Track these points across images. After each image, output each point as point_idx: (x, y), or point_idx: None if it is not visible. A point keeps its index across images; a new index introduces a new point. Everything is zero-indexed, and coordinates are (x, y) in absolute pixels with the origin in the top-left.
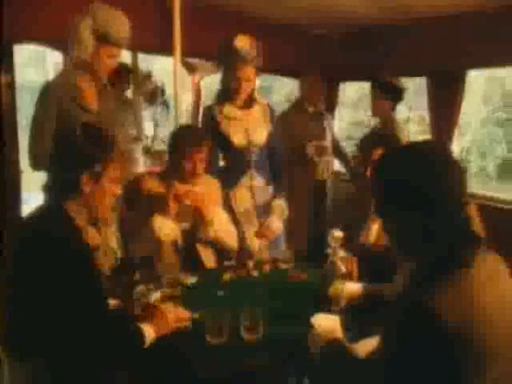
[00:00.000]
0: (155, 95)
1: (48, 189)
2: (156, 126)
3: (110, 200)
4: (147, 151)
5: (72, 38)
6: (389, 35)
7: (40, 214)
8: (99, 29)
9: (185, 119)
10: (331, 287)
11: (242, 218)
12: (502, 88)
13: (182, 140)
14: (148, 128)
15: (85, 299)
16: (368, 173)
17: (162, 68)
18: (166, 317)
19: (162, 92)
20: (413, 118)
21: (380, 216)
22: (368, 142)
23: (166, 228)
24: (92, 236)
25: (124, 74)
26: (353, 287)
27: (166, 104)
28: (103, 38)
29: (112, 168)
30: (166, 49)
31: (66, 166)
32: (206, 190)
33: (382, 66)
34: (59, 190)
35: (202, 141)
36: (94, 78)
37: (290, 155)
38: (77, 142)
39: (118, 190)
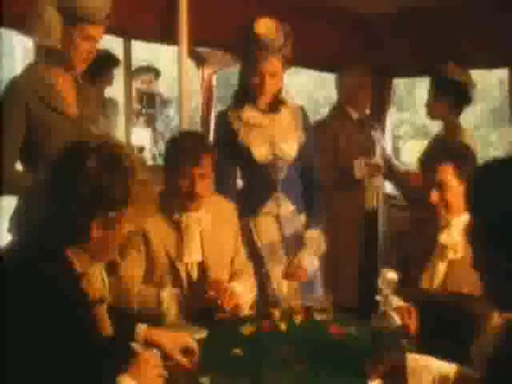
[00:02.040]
0: (152, 96)
1: (31, 225)
2: (155, 135)
3: (123, 240)
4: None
5: (33, 20)
6: (459, 15)
7: (31, 258)
8: (64, 2)
9: (191, 127)
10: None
11: (265, 254)
12: None
13: (176, 150)
14: (144, 138)
15: (79, 369)
16: (433, 197)
17: (163, 60)
18: (147, 365)
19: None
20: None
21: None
22: (432, 157)
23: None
24: (94, 285)
25: (105, 65)
26: (444, 367)
27: (166, 106)
28: (72, 15)
29: (133, 208)
30: (168, 35)
31: (68, 208)
32: (216, 216)
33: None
34: (57, 234)
35: (200, 149)
36: (70, 69)
37: (328, 174)
38: (88, 178)
39: (135, 228)
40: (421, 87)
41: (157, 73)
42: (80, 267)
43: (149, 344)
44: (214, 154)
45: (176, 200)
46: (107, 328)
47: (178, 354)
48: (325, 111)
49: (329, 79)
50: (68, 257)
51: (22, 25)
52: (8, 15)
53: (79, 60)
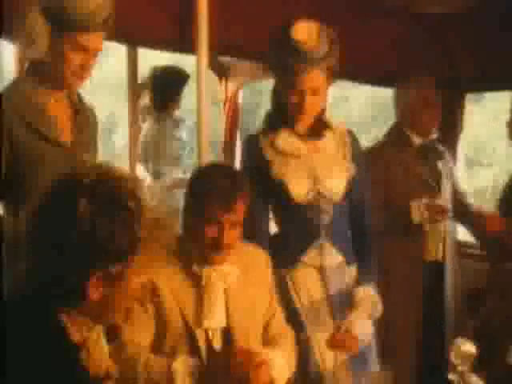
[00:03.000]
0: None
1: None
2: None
3: (133, 301)
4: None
5: (16, 24)
6: None
7: (13, 326)
8: (51, 5)
9: (211, 155)
10: None
11: (305, 316)
12: None
13: (203, 189)
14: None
15: None
16: None
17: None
18: None
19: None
20: None
21: None
22: None
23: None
24: (95, 355)
25: (174, 84)
26: None
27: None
28: (58, 20)
29: (141, 258)
30: (183, 41)
31: (58, 262)
32: (246, 270)
33: None
34: (46, 295)
35: (234, 191)
36: (62, 88)
37: (384, 218)
38: (82, 224)
39: (145, 280)
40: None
41: None
42: (78, 336)
43: None
44: (248, 198)
45: (197, 249)
46: None
47: None
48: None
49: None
50: (62, 323)
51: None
52: None
53: (72, 76)
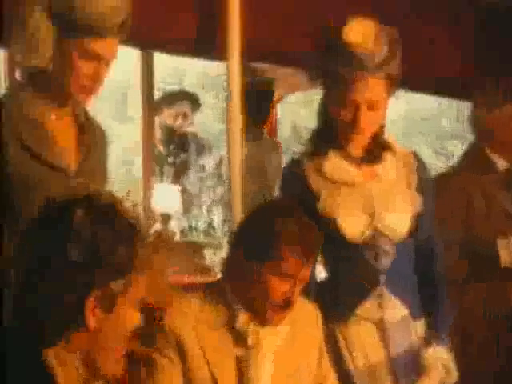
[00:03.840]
0: (186, 137)
1: None
2: (186, 196)
3: (126, 338)
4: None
5: (14, 27)
6: None
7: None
8: (58, 5)
9: (241, 182)
10: None
11: (360, 382)
12: None
13: (266, 231)
14: (171, 200)
15: None
16: None
17: (200, 82)
18: None
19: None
20: None
21: None
22: None
23: None
24: None
25: (264, 97)
26: None
27: (201, 153)
28: (69, 22)
29: (139, 281)
30: (210, 45)
31: (47, 283)
32: (295, 327)
33: None
34: (29, 328)
35: (310, 238)
36: (67, 102)
37: (461, 261)
38: (79, 236)
39: (139, 316)
40: None
41: (195, 102)
42: (66, 377)
43: None
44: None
45: (248, 303)
46: None
47: None
48: None
49: None
50: (49, 365)
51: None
52: None
53: (80, 89)
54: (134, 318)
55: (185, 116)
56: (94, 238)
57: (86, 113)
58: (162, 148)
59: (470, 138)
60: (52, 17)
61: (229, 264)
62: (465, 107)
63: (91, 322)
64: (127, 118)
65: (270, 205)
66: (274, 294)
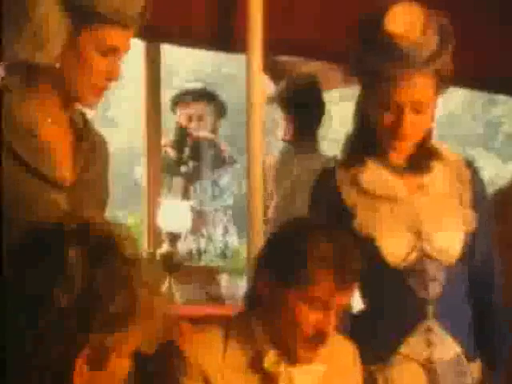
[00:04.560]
0: (197, 143)
1: None
2: (197, 213)
3: None
4: (172, 268)
5: (20, 20)
6: None
7: None
8: None
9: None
10: None
11: None
12: None
13: (300, 252)
14: (179, 218)
15: None
16: None
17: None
18: None
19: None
20: None
21: None
22: None
23: None
24: None
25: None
26: None
27: (220, 166)
28: (86, 9)
29: (137, 329)
30: (227, 36)
31: (31, 340)
32: (330, 367)
33: None
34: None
35: (350, 262)
36: (69, 104)
37: None
38: (68, 280)
39: (131, 363)
40: None
41: (217, 106)
42: None
43: None
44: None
45: (272, 338)
46: None
47: None
48: None
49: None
50: None
51: None
52: None
53: (90, 89)
54: (125, 368)
55: (200, 119)
56: (89, 284)
57: (84, 117)
58: (171, 152)
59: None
60: (65, 3)
61: (253, 292)
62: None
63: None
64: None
65: (299, 221)
66: (303, 324)
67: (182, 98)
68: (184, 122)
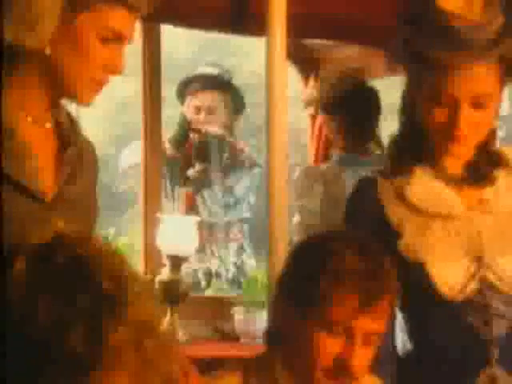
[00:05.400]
0: (205, 141)
1: None
2: (207, 225)
3: None
4: (174, 298)
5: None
6: None
7: None
8: None
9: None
10: None
11: None
12: None
13: (316, 270)
14: (184, 237)
15: None
16: None
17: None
18: None
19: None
20: None
21: None
22: None
23: None
24: None
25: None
26: None
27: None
28: None
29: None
30: (241, 15)
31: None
32: None
33: None
34: None
35: (381, 281)
36: (54, 103)
37: None
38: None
39: None
40: None
41: (234, 99)
42: None
43: None
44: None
45: (293, 375)
46: None
47: None
48: None
49: None
50: None
51: None
52: None
53: (89, 83)
54: None
55: (210, 111)
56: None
57: (71, 119)
58: (172, 152)
59: None
60: None
61: (275, 328)
62: None
63: None
64: None
65: (320, 234)
66: (322, 354)
67: (190, 86)
68: (190, 115)
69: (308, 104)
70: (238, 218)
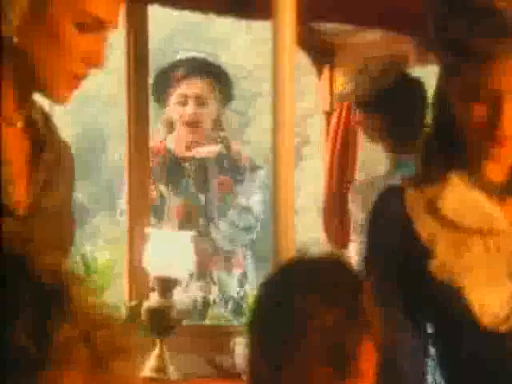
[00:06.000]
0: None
1: None
2: (202, 244)
3: None
4: (164, 329)
5: None
6: None
7: None
8: None
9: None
10: None
11: None
12: None
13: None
14: (171, 251)
15: None
16: None
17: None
18: None
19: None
20: None
21: None
22: None
23: None
24: None
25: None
26: None
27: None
28: None
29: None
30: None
31: None
32: None
33: None
34: None
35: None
36: (26, 99)
37: None
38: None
39: None
40: None
41: (225, 84)
42: None
43: None
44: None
45: None
46: None
47: None
48: None
49: None
50: None
51: None
52: None
53: (66, 78)
54: None
55: (199, 101)
56: None
57: (46, 116)
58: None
59: None
60: None
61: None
62: None
63: None
64: None
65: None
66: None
67: (172, 75)
68: (175, 111)
69: (340, 99)
70: (240, 233)
